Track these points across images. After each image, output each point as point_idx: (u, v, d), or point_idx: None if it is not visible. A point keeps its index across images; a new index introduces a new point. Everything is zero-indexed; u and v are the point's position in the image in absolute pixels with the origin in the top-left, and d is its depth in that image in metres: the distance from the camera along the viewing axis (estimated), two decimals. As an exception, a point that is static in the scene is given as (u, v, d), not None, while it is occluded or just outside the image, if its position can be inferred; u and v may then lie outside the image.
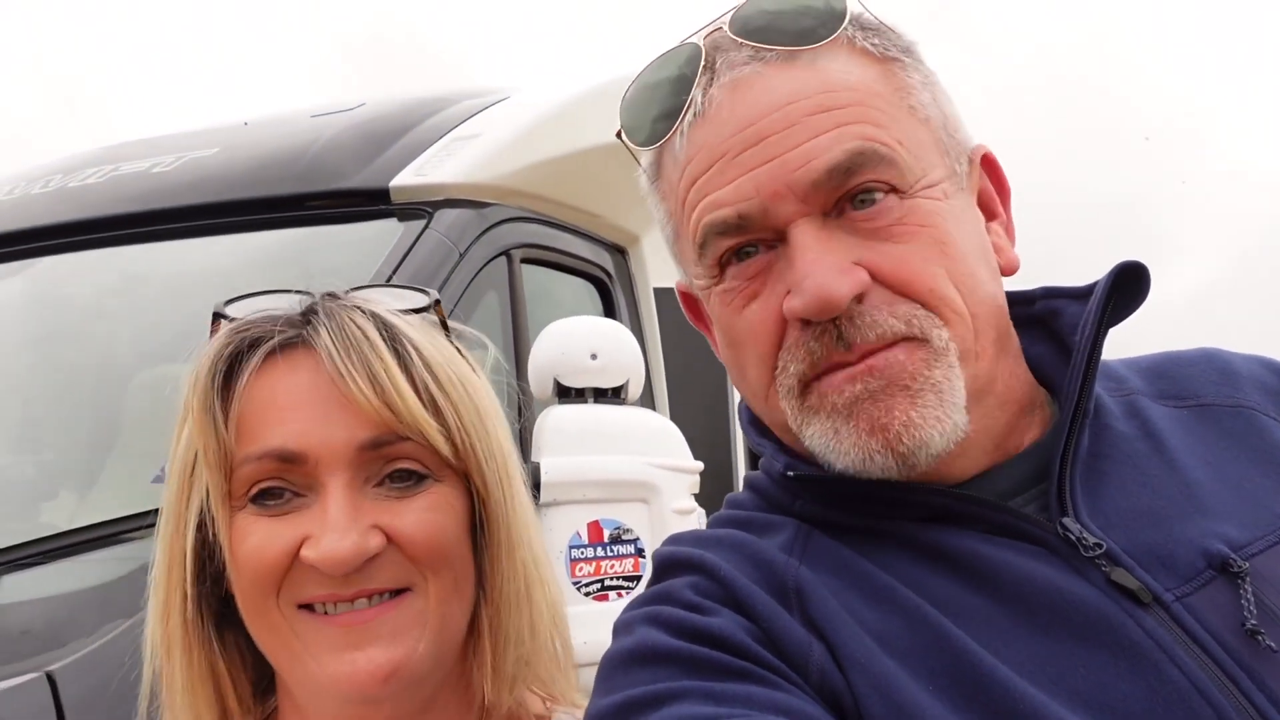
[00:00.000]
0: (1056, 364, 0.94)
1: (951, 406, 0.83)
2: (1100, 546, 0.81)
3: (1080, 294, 0.93)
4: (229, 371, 0.93)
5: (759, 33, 0.85)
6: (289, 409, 0.92)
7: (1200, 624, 0.78)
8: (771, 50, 0.85)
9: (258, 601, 0.92)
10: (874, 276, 0.83)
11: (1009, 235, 0.95)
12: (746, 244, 0.86)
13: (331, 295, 0.99)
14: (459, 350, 1.04)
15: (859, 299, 0.82)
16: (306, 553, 0.89)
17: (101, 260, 2.70)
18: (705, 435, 2.86)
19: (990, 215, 0.94)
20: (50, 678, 1.62)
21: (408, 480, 0.94)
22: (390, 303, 1.01)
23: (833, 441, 0.84)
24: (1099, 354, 0.90)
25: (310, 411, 0.92)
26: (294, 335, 0.95)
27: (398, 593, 0.93)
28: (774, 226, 0.84)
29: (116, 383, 2.48)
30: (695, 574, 0.87)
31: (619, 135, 0.93)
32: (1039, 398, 0.94)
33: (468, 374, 1.00)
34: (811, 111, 0.83)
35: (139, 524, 1.91)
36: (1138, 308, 0.93)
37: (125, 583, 1.81)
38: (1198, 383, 0.97)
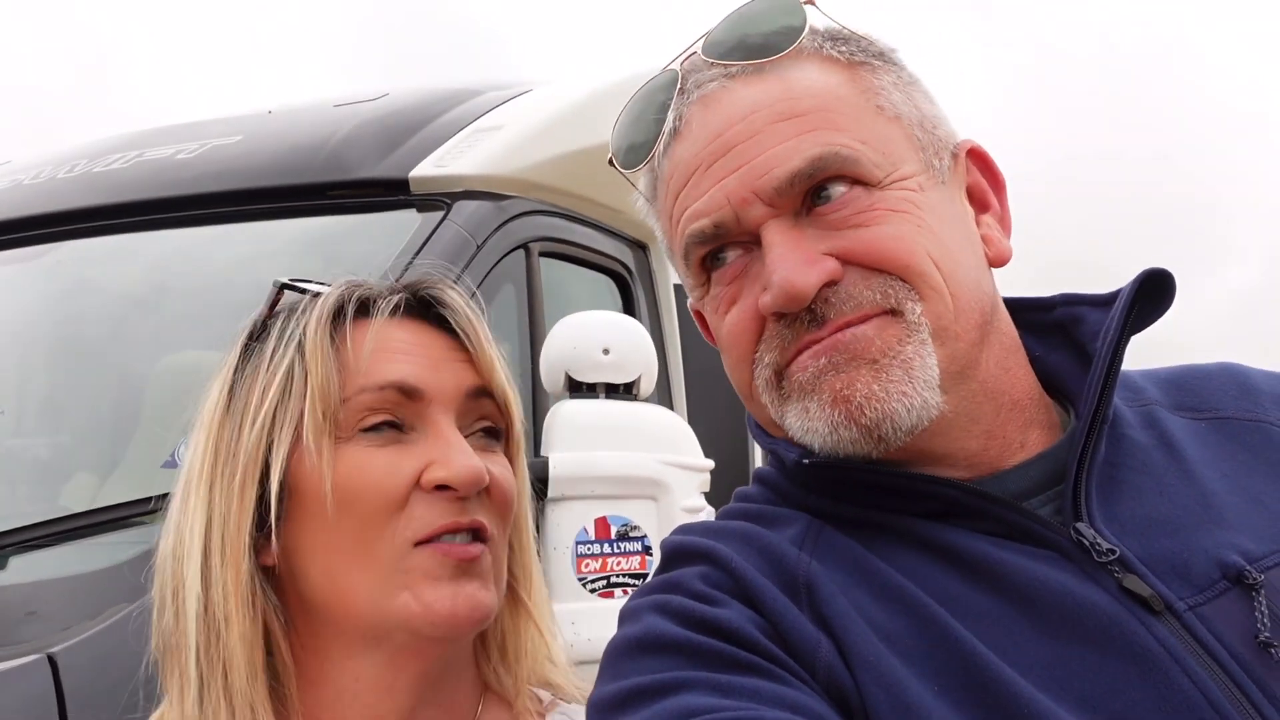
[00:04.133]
0: (1075, 371, 0.93)
1: (921, 383, 0.83)
2: (1114, 553, 0.81)
3: (1102, 301, 0.93)
4: (347, 314, 1.02)
5: (726, 52, 0.90)
6: (406, 354, 1.02)
7: (1212, 634, 0.77)
8: (737, 66, 0.89)
9: (371, 531, 0.96)
10: (847, 261, 0.84)
11: (1004, 226, 0.96)
12: (721, 247, 0.89)
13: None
14: None
15: (833, 284, 0.84)
16: (437, 473, 0.96)
17: (124, 245, 2.72)
18: (723, 434, 2.83)
19: (983, 208, 0.95)
20: (52, 659, 1.63)
21: (492, 436, 1.06)
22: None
23: (804, 420, 0.86)
24: (1120, 361, 0.89)
25: (423, 359, 1.01)
26: (408, 298, 1.06)
27: (484, 539, 1.00)
28: (747, 230, 0.87)
29: (133, 367, 2.49)
30: (705, 564, 0.87)
31: (611, 162, 0.97)
32: (1044, 401, 0.93)
33: None
34: (774, 119, 0.86)
35: (146, 508, 1.91)
36: (1161, 316, 0.92)
37: (129, 566, 1.81)
38: (1216, 396, 0.96)
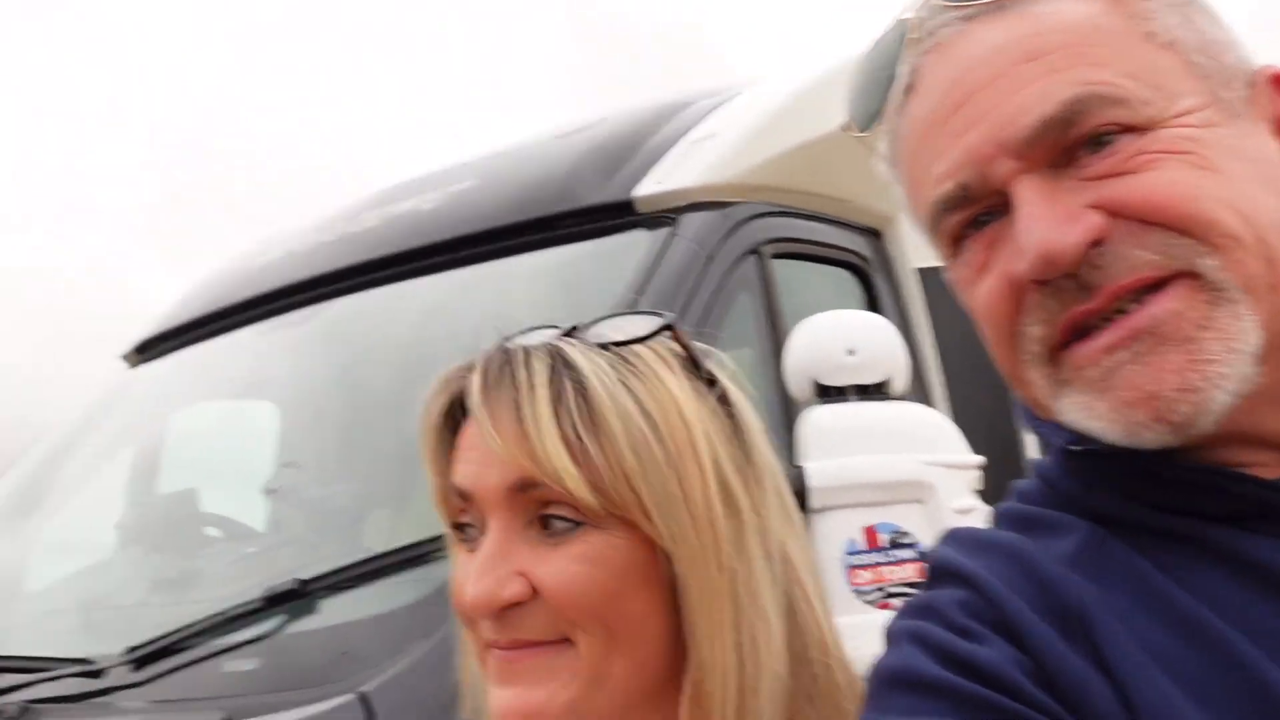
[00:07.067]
0: None
1: (1239, 356, 0.70)
2: None
3: None
4: (434, 412, 1.01)
5: None
6: (466, 449, 0.97)
7: None
8: (975, 6, 0.78)
9: (465, 625, 0.99)
10: (1116, 213, 0.72)
11: None
12: (979, 215, 0.78)
13: (567, 331, 1.00)
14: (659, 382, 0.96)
15: (1099, 244, 0.72)
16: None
17: (386, 296, 2.93)
18: (990, 426, 2.67)
19: None
20: (364, 698, 1.76)
21: (557, 526, 0.92)
22: (612, 334, 0.99)
23: (1087, 416, 0.74)
24: None
25: (477, 454, 0.94)
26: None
27: (554, 642, 0.92)
28: (996, 190, 0.76)
29: (407, 412, 2.66)
30: (964, 588, 0.79)
31: (848, 129, 0.88)
32: None
33: (658, 414, 0.93)
34: (1018, 60, 0.75)
35: (437, 545, 2.04)
36: None
37: (428, 602, 1.93)
38: None
